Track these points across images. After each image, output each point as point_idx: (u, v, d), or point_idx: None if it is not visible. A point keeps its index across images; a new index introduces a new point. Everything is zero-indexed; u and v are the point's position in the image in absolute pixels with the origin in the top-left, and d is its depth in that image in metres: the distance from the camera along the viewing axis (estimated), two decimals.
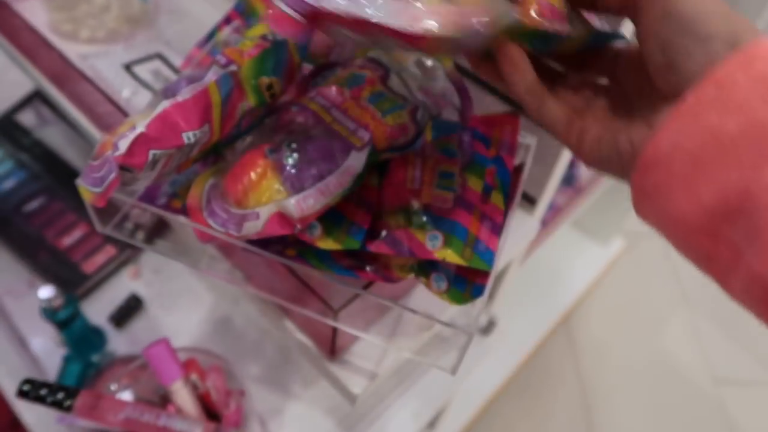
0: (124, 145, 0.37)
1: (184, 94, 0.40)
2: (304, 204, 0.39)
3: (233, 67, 0.42)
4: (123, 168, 0.38)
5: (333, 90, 0.43)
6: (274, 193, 0.39)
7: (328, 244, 0.42)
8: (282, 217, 0.39)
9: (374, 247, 0.41)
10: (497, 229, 0.42)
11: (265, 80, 0.42)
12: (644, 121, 0.29)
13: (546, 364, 1.23)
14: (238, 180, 0.40)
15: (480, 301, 0.43)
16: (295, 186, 0.39)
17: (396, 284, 0.44)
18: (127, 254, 0.82)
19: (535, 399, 1.19)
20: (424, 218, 0.42)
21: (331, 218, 0.42)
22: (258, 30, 0.48)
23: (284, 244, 0.44)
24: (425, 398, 0.79)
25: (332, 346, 0.51)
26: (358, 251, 0.43)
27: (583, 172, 0.88)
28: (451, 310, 0.49)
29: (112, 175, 0.37)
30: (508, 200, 0.43)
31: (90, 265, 0.80)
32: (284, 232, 0.40)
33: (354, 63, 0.47)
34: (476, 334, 0.43)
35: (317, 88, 0.44)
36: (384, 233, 0.42)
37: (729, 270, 0.24)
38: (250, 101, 0.42)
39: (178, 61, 0.72)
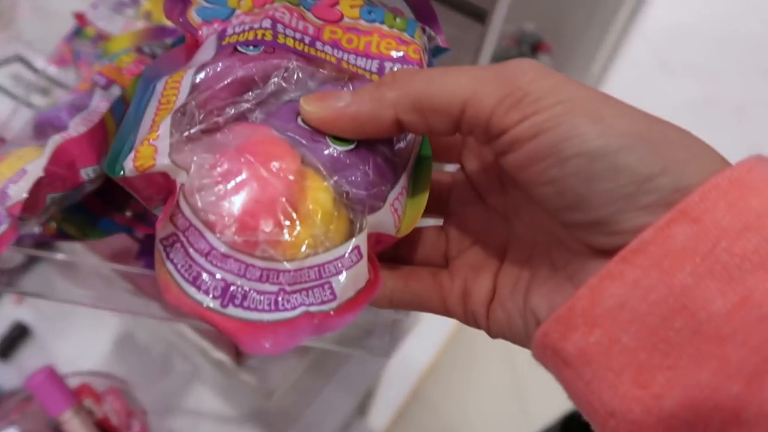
0: (17, 192, 0.31)
1: (78, 128, 0.34)
2: (398, 204, 0.24)
3: (116, 89, 0.38)
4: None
5: (289, 16, 0.26)
6: (334, 208, 0.22)
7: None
8: (381, 237, 0.24)
9: None
10: None
11: None
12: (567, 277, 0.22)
13: (472, 338, 1.24)
14: (256, 211, 0.21)
15: None
16: (356, 179, 0.23)
17: None
18: (4, 279, 0.74)
19: (464, 374, 1.20)
20: None
21: None
22: (120, 42, 0.43)
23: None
24: (347, 387, 0.78)
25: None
26: None
27: None
28: None
29: (3, 227, 0.31)
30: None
31: None
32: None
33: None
34: (403, 317, 0.42)
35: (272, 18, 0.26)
36: None
37: None
38: None
39: (41, 63, 0.65)
